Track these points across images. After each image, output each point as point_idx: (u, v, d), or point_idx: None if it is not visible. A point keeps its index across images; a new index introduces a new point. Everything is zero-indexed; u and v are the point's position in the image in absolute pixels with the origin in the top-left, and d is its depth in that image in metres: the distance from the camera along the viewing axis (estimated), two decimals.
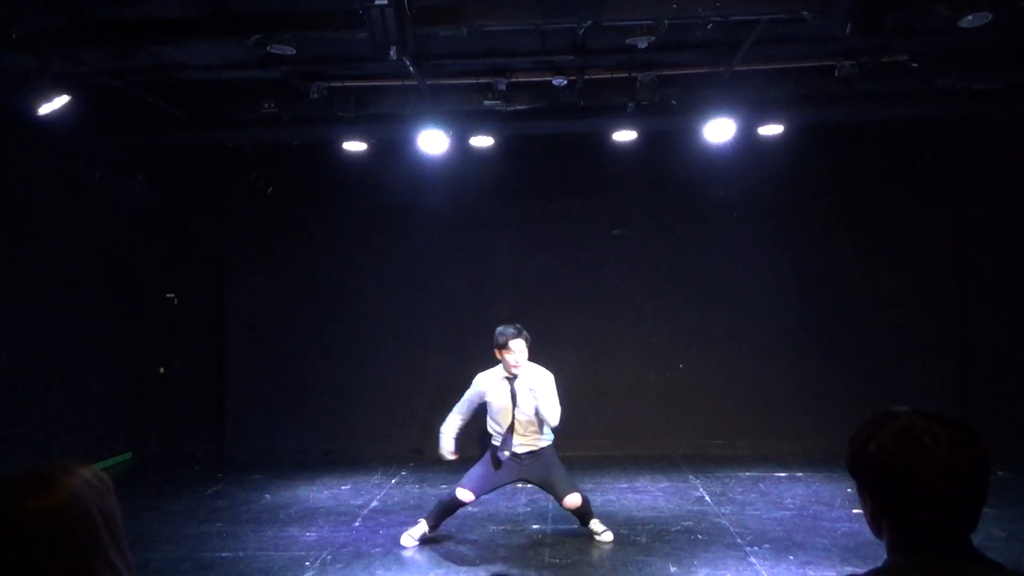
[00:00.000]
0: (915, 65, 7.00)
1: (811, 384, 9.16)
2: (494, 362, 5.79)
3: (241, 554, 5.84)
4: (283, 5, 5.73)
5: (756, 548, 5.73)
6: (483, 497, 7.31)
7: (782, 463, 8.47)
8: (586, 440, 9.24)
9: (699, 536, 6.05)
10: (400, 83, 7.24)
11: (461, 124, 7.91)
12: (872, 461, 1.43)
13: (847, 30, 5.41)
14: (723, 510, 6.76)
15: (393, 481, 8.09)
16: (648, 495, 7.36)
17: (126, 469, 8.99)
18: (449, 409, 9.92)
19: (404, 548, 5.84)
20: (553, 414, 5.69)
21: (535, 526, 6.42)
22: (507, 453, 5.84)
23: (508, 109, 7.47)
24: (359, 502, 6.79)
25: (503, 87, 7.14)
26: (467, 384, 5.96)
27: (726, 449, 9.09)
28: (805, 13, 5.49)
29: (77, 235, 8.46)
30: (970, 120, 8.70)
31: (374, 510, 7.03)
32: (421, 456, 9.08)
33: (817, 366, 9.19)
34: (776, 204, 9.27)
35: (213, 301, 9.70)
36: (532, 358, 5.88)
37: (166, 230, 9.68)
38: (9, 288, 7.43)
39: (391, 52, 5.52)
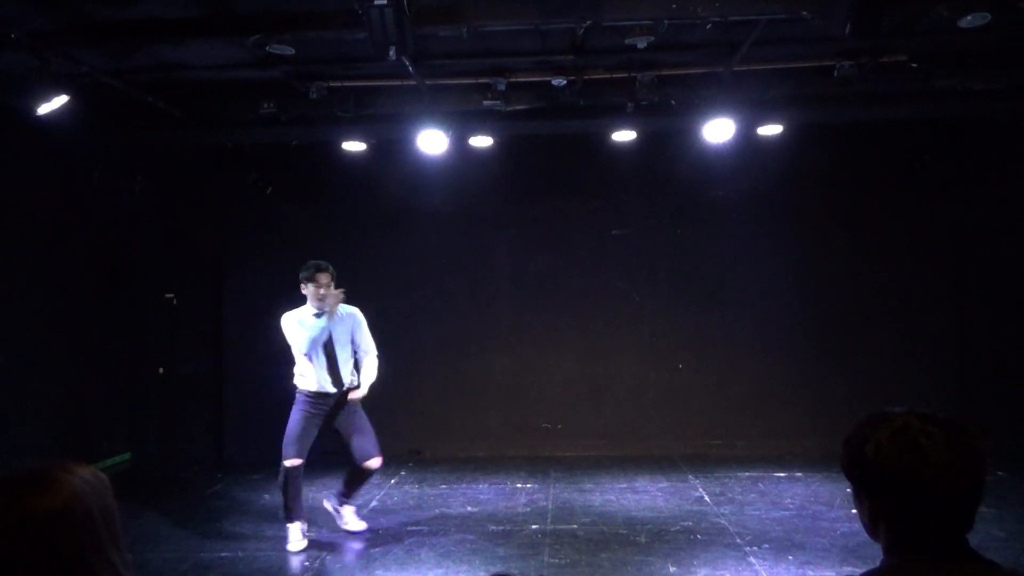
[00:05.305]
0: (914, 65, 7.00)
1: (811, 384, 9.16)
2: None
3: (241, 554, 5.84)
4: (283, 5, 5.73)
5: (755, 548, 5.74)
6: (481, 497, 7.35)
7: (781, 463, 8.47)
8: (585, 440, 9.25)
9: (698, 536, 6.05)
10: (399, 83, 7.24)
11: (460, 124, 7.90)
12: (869, 463, 1.44)
13: (846, 30, 5.41)
14: (722, 510, 6.77)
15: (392, 481, 8.08)
16: (647, 495, 7.37)
17: (126, 469, 8.99)
18: (448, 409, 9.89)
19: (294, 553, 5.79)
20: (371, 346, 6.32)
21: (535, 526, 6.42)
22: (334, 390, 6.16)
23: (507, 109, 7.46)
24: (358, 502, 6.76)
25: (502, 87, 7.13)
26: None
27: (725, 449, 9.08)
28: (805, 13, 5.49)
29: (77, 235, 8.45)
30: (970, 120, 8.69)
31: (373, 510, 7.04)
32: (421, 456, 9.10)
33: (817, 366, 9.18)
34: (775, 204, 9.26)
35: (213, 301, 9.68)
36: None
37: (166, 230, 9.66)
38: (9, 288, 7.43)
39: (390, 52, 5.52)
